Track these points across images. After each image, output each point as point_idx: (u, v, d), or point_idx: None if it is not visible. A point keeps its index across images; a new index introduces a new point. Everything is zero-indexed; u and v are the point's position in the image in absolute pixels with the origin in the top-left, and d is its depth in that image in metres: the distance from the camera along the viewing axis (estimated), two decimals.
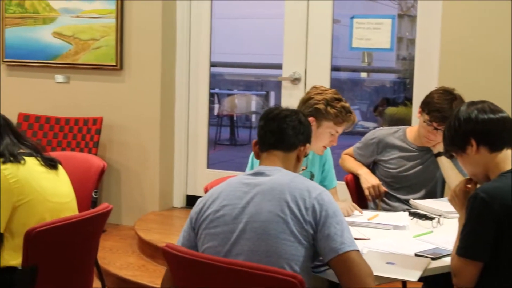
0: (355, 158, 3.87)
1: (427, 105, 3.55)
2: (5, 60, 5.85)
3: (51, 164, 3.03)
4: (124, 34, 5.43)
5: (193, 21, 5.53)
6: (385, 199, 3.74)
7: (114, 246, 4.87)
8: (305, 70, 5.23)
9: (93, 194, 3.68)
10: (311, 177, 3.39)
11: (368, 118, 7.76)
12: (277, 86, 5.44)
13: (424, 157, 3.71)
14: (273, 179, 2.43)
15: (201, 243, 2.44)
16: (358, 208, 3.31)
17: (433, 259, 2.61)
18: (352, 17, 5.00)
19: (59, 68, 5.68)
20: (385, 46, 4.94)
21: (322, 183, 3.41)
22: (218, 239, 2.38)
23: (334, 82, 5.31)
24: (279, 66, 5.38)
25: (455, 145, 2.57)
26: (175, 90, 5.54)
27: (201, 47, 5.55)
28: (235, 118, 9.40)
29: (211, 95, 5.77)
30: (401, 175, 3.72)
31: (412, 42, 6.94)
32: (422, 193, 3.70)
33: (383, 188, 3.67)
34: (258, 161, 2.71)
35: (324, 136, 3.28)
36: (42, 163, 2.99)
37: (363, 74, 8.44)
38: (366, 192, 3.65)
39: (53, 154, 3.17)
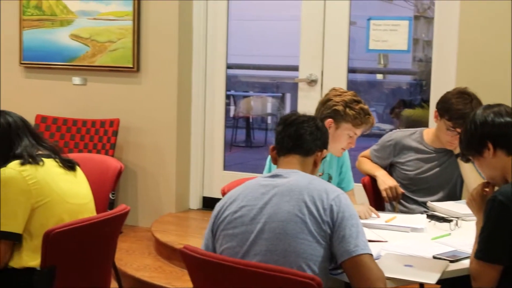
0: (372, 160, 3.86)
1: (447, 111, 3.52)
2: (22, 62, 5.88)
3: (69, 165, 3.05)
4: (141, 36, 5.44)
5: (209, 23, 5.54)
6: (402, 201, 3.72)
7: (131, 248, 4.89)
8: (322, 72, 5.22)
9: (110, 196, 3.69)
10: (329, 179, 3.39)
11: (384, 120, 7.74)
12: (293, 88, 5.44)
13: (442, 159, 3.69)
14: (291, 180, 2.45)
15: (219, 244, 2.45)
16: (375, 211, 3.30)
17: (451, 261, 2.60)
18: (369, 19, 4.99)
19: (76, 70, 5.71)
20: (402, 47, 4.92)
21: (339, 185, 3.40)
22: (236, 240, 2.39)
23: (350, 84, 5.30)
24: (295, 68, 5.38)
25: (472, 149, 2.56)
26: (191, 92, 5.55)
27: (217, 49, 5.56)
28: (250, 120, 9.39)
29: (227, 97, 5.78)
30: (419, 177, 3.71)
31: (428, 43, 6.92)
32: (439, 195, 3.69)
33: (401, 190, 3.65)
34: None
35: (342, 138, 3.28)
36: (61, 164, 3.00)
37: (379, 76, 8.43)
38: (384, 194, 3.64)
39: (71, 156, 3.18)
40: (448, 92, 3.62)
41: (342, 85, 5.01)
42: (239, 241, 2.39)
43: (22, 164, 2.84)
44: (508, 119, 2.50)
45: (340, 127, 3.28)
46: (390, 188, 3.64)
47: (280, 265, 2.27)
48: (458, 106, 3.48)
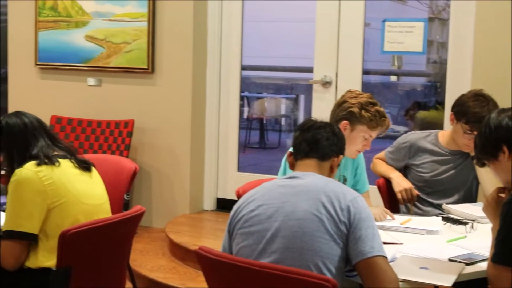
0: (386, 162, 3.85)
1: (464, 114, 3.50)
2: (38, 63, 5.91)
3: (85, 166, 3.06)
4: (155, 38, 5.46)
5: (224, 24, 5.55)
6: (417, 203, 3.71)
7: (145, 248, 4.90)
8: (336, 74, 5.21)
9: (125, 197, 3.70)
10: (344, 181, 3.39)
11: (398, 122, 7.70)
12: (307, 89, 5.44)
13: (457, 161, 3.68)
14: (309, 181, 2.47)
15: (236, 243, 2.47)
16: (391, 214, 3.30)
17: (467, 264, 2.59)
18: (384, 20, 4.98)
19: (91, 71, 5.73)
20: (417, 49, 4.91)
21: (354, 187, 3.40)
22: (253, 238, 2.41)
23: (365, 86, 5.29)
24: (309, 70, 5.38)
25: (487, 152, 2.55)
26: (206, 93, 5.56)
27: (232, 50, 5.57)
28: (264, 122, 9.39)
29: (241, 98, 5.78)
30: (434, 179, 3.70)
31: (442, 45, 6.89)
32: (455, 197, 3.67)
33: (416, 192, 3.64)
34: None
35: (357, 140, 3.27)
36: (76, 165, 3.02)
37: (393, 78, 8.39)
38: (399, 196, 3.63)
39: (86, 157, 3.20)
40: (463, 95, 3.61)
41: (357, 86, 5.00)
42: (255, 239, 2.40)
43: (38, 164, 2.86)
44: None
45: (356, 129, 3.28)
46: (405, 190, 3.63)
47: (297, 263, 2.29)
48: (475, 109, 3.46)
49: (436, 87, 7.23)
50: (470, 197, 3.70)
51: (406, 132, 4.37)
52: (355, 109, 3.27)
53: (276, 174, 3.46)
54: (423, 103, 7.49)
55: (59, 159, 2.94)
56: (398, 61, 6.15)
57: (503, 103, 3.43)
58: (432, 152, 3.72)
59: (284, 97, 9.67)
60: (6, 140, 2.98)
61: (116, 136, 5.47)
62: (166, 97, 5.47)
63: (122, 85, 5.63)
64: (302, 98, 9.29)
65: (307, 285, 2.15)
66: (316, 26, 5.28)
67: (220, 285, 2.42)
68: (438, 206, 3.63)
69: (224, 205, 5.60)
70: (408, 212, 3.69)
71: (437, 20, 7.14)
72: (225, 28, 5.55)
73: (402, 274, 2.39)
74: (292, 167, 2.66)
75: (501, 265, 2.33)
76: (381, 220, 3.19)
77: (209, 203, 5.65)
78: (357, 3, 5.11)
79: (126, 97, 5.61)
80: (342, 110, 3.30)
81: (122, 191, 3.65)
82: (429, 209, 3.68)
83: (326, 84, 5.24)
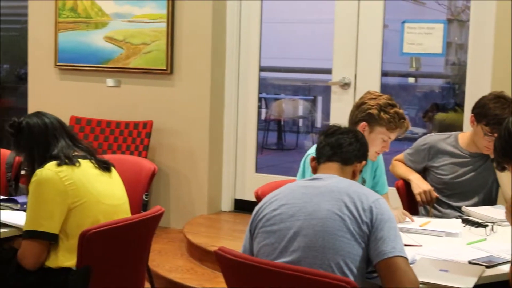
0: (405, 164, 3.83)
1: (485, 116, 3.49)
2: (58, 64, 5.94)
3: (105, 166, 3.08)
4: (174, 39, 5.47)
5: (242, 26, 5.55)
6: (436, 205, 3.70)
7: (163, 249, 4.91)
8: (355, 75, 5.20)
9: (143, 197, 3.71)
10: (363, 182, 3.38)
11: (416, 124, 7.68)
12: (325, 91, 5.43)
13: (477, 163, 3.66)
14: (332, 183, 2.49)
15: (257, 242, 2.48)
16: (410, 215, 3.29)
17: (487, 267, 2.58)
18: (403, 22, 4.96)
19: (110, 72, 5.76)
20: (436, 51, 4.89)
21: (373, 188, 3.39)
22: (275, 236, 2.42)
23: (383, 87, 5.28)
24: (328, 71, 5.37)
25: (507, 156, 2.53)
26: (224, 94, 5.56)
27: (250, 51, 5.57)
28: (282, 123, 9.39)
29: (258, 99, 5.79)
30: (454, 181, 3.68)
31: (461, 47, 6.86)
32: (474, 200, 3.66)
33: (435, 194, 3.63)
34: (309, 167, 2.73)
35: (376, 141, 3.27)
36: (96, 165, 3.03)
37: (411, 79, 8.37)
38: (418, 198, 3.62)
39: (106, 157, 3.21)
40: (484, 97, 3.59)
41: (376, 88, 4.99)
42: (277, 237, 2.41)
43: (59, 165, 2.88)
44: None
45: (374, 130, 3.27)
46: (424, 192, 3.62)
47: (318, 262, 2.30)
48: (495, 111, 3.44)
49: (455, 89, 7.21)
50: (490, 200, 3.68)
51: (424, 134, 4.35)
52: (374, 111, 3.26)
53: (294, 175, 3.46)
54: (441, 105, 7.45)
55: (79, 160, 2.96)
56: (416, 63, 6.13)
57: None
58: (451, 154, 3.71)
59: (301, 98, 9.67)
60: (26, 141, 3.00)
61: (134, 136, 5.49)
62: (184, 98, 5.49)
63: (141, 86, 5.65)
64: (319, 99, 9.29)
65: (327, 286, 2.15)
66: (335, 27, 5.27)
67: (239, 286, 2.42)
68: (458, 209, 3.61)
69: (241, 206, 5.60)
70: (427, 214, 3.68)
71: (456, 21, 7.12)
72: (243, 29, 5.56)
73: (422, 276, 2.38)
74: (315, 171, 2.68)
75: None
76: (400, 222, 3.18)
77: (227, 204, 5.66)
78: (376, 4, 5.10)
79: (144, 98, 5.63)
80: (361, 112, 3.30)
81: (141, 191, 3.67)
82: (448, 211, 3.67)
83: (344, 85, 5.23)
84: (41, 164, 2.90)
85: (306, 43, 8.07)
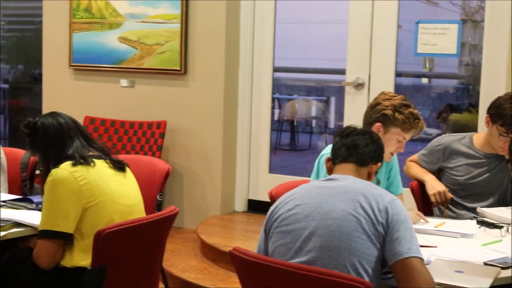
0: (420, 165, 3.82)
1: (501, 117, 3.47)
2: (72, 64, 5.97)
3: (119, 166, 3.08)
4: (188, 39, 5.48)
5: (256, 26, 5.56)
6: (451, 206, 3.68)
7: (177, 249, 4.92)
8: (369, 76, 5.19)
9: (157, 197, 3.72)
10: (377, 183, 3.37)
11: (431, 125, 7.65)
12: (338, 91, 5.42)
13: (492, 164, 3.64)
14: (347, 183, 2.49)
15: (272, 242, 2.48)
16: (424, 217, 3.28)
17: (502, 268, 2.56)
18: (417, 22, 4.95)
19: (124, 73, 5.78)
20: (451, 51, 4.87)
21: (388, 189, 3.37)
22: (290, 236, 2.42)
23: (397, 88, 5.26)
24: (341, 72, 5.36)
25: None
26: (238, 95, 5.57)
27: (264, 52, 5.58)
28: (295, 123, 9.38)
29: (272, 100, 5.79)
30: (468, 182, 3.66)
31: (474, 47, 6.83)
32: (489, 201, 3.64)
33: (449, 195, 3.62)
34: (324, 167, 2.72)
35: (391, 142, 3.26)
36: (111, 165, 3.04)
37: (424, 80, 8.34)
38: (432, 199, 3.61)
39: (120, 157, 3.21)
40: (499, 97, 3.57)
41: (390, 89, 4.98)
42: (292, 237, 2.41)
43: (74, 165, 2.89)
44: None
45: (389, 131, 3.26)
46: (439, 193, 3.61)
47: (333, 262, 2.30)
48: (511, 111, 3.42)
49: (469, 89, 7.18)
50: (505, 201, 3.65)
51: (438, 134, 4.33)
52: (389, 111, 3.25)
53: (307, 176, 3.45)
54: (455, 106, 7.42)
55: (94, 160, 2.97)
56: (430, 63, 6.11)
57: None
58: (466, 155, 3.69)
59: (315, 99, 9.65)
60: (42, 141, 3.01)
61: (148, 137, 5.50)
62: (198, 99, 5.50)
63: (155, 86, 5.67)
64: (333, 100, 9.27)
65: (342, 287, 2.14)
66: (349, 27, 5.27)
67: (254, 286, 2.42)
68: (472, 210, 3.60)
69: (255, 206, 5.61)
70: (442, 215, 3.67)
71: (470, 22, 7.08)
72: (257, 29, 5.56)
73: (437, 278, 2.38)
74: (330, 172, 2.67)
75: None
76: (414, 223, 3.16)
77: (240, 204, 5.66)
78: (390, 4, 5.09)
79: (158, 98, 5.64)
80: (375, 112, 3.29)
81: (155, 191, 3.68)
82: (463, 212, 3.65)
83: (358, 86, 5.22)
84: (56, 164, 2.91)
85: (320, 43, 8.05)
